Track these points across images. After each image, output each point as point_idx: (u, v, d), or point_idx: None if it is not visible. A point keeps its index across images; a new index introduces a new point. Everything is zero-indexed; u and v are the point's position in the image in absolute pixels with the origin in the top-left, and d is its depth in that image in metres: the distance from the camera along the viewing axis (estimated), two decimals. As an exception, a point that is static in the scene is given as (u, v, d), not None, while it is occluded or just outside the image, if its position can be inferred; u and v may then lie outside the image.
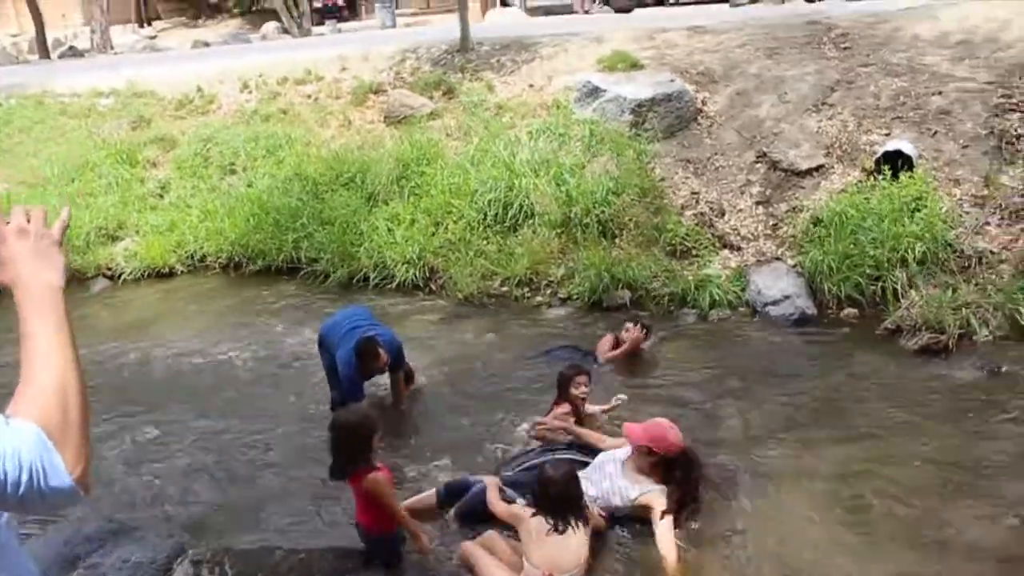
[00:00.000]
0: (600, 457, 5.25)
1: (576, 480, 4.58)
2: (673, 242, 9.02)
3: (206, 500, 5.71)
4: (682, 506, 4.80)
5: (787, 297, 8.09)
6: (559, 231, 9.41)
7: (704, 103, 10.97)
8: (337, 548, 4.91)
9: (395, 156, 11.06)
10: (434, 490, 5.24)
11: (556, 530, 4.33)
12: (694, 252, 8.96)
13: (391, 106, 12.66)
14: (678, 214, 9.34)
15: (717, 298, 8.35)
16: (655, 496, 4.82)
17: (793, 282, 8.25)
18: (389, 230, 10.04)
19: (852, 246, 8.09)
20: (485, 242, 9.62)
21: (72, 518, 5.47)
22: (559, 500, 4.41)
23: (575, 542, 4.37)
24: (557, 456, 5.25)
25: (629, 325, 7.42)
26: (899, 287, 7.76)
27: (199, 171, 12.41)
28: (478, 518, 4.93)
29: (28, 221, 1.66)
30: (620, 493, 4.93)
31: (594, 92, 11.13)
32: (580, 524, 4.42)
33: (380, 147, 11.68)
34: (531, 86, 12.44)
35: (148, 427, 6.86)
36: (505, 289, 9.19)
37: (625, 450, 5.11)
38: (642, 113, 10.62)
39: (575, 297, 8.84)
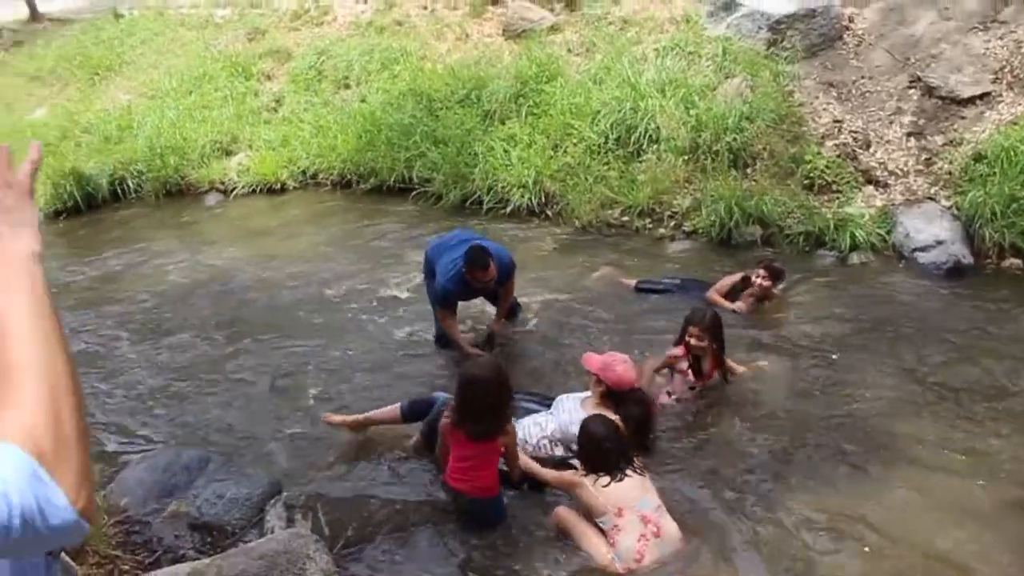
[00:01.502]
0: (560, 396, 5.15)
1: (620, 431, 4.38)
2: (811, 175, 8.28)
3: (301, 438, 5.50)
4: (638, 443, 4.67)
5: (940, 243, 7.31)
6: (686, 158, 8.79)
7: (851, 19, 9.97)
8: (433, 500, 4.69)
9: (513, 72, 10.53)
10: (397, 406, 5.16)
11: (616, 480, 4.13)
12: (834, 187, 8.21)
13: (510, 19, 12.04)
14: (818, 144, 8.56)
15: (859, 240, 7.63)
16: None
17: (947, 226, 7.45)
18: (505, 151, 9.59)
19: (1021, 187, 7.21)
20: (606, 167, 9.09)
21: (172, 444, 5.42)
22: (611, 454, 4.19)
23: (637, 480, 4.18)
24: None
25: (762, 272, 6.73)
26: (1078, 237, 6.90)
27: (313, 85, 12.21)
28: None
29: None
30: (579, 422, 4.62)
31: (728, 6, 10.29)
32: (636, 471, 4.22)
33: (498, 62, 11.16)
34: (660, -2, 11.59)
35: (247, 352, 6.77)
36: (625, 219, 8.69)
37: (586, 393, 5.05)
38: (781, 30, 9.76)
39: (701, 231, 8.27)
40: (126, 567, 4.16)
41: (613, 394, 4.80)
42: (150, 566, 4.19)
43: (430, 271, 6.30)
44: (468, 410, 4.20)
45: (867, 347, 6.14)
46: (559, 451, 4.85)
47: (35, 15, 18.70)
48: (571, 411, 4.89)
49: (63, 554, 3.65)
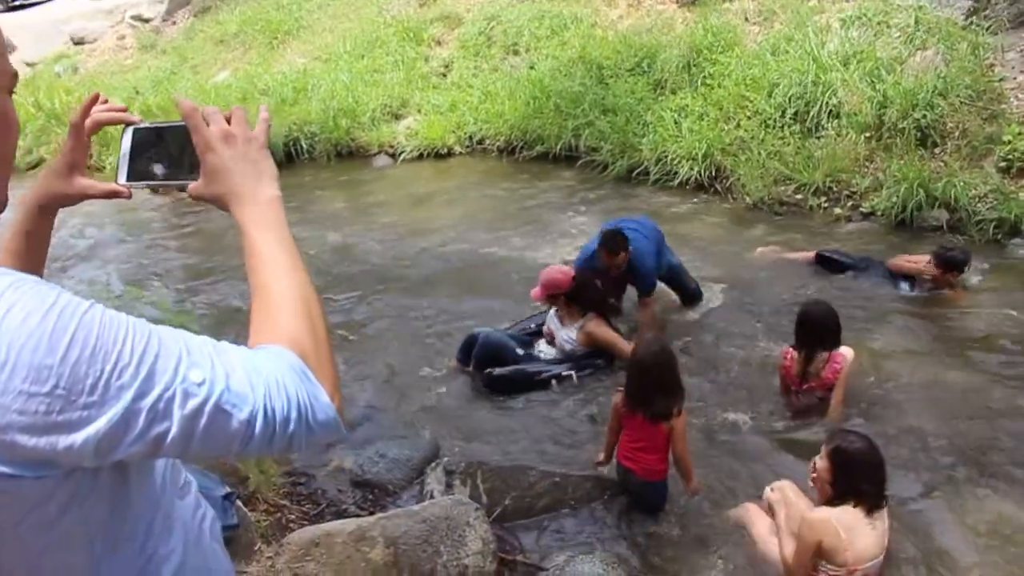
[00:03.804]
0: (546, 322, 5.96)
1: (877, 448, 3.68)
2: (1009, 157, 7.63)
3: (460, 405, 5.54)
4: (601, 310, 5.72)
5: None
6: (868, 135, 8.32)
7: (1067, -15, 9.12)
8: (594, 476, 4.60)
9: (687, 41, 10.25)
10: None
11: (867, 514, 3.51)
12: (1036, 171, 7.55)
13: (685, -15, 11.69)
14: (1020, 123, 7.87)
15: (1063, 230, 6.98)
16: (590, 324, 5.63)
17: None
18: (675, 122, 9.36)
19: None
20: (781, 142, 8.73)
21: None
22: (874, 484, 3.54)
23: (879, 522, 3.57)
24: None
25: (932, 260, 6.28)
26: None
27: (482, 51, 12.26)
28: (492, 361, 5.58)
29: (228, 123, 1.37)
30: (567, 339, 5.71)
31: (924, -28, 9.59)
32: (886, 504, 3.61)
33: (670, 31, 10.89)
34: (847, -37, 10.96)
35: (406, 313, 6.85)
36: (799, 197, 8.33)
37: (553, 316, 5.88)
38: (983, -2, 9.03)
39: (880, 213, 7.81)
40: (292, 516, 4.28)
41: (568, 296, 5.60)
42: (315, 518, 4.30)
43: None
44: (637, 392, 4.14)
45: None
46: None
47: (222, -20, 19.52)
48: (557, 332, 5.78)
49: (237, 500, 3.82)
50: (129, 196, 1.42)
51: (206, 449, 1.09)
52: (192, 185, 1.35)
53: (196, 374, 1.05)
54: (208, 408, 1.05)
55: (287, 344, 1.20)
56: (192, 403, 1.04)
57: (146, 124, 1.41)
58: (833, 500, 3.59)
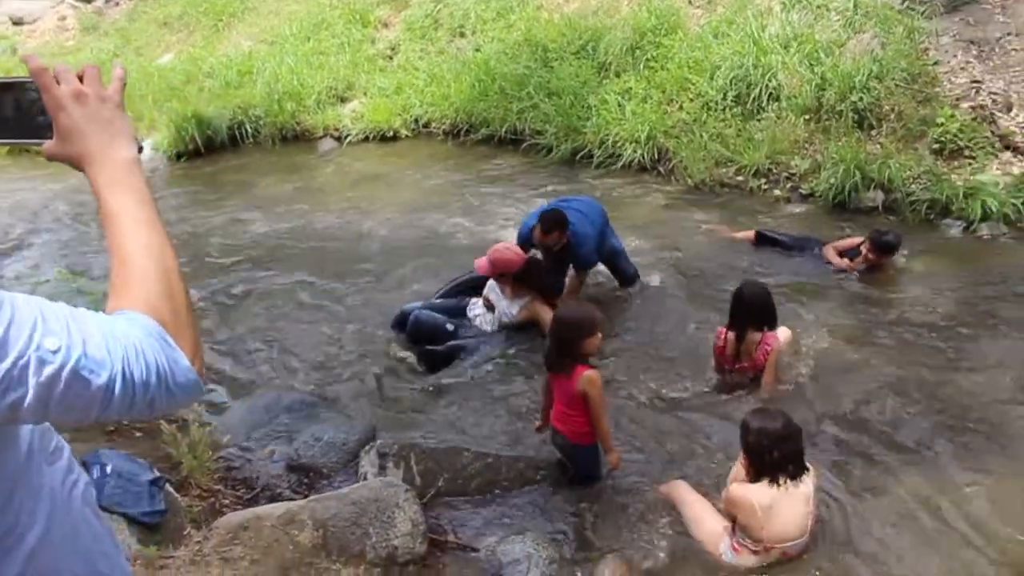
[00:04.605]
0: (485, 290, 6.04)
1: (798, 429, 3.76)
2: (942, 139, 7.79)
3: (397, 388, 5.56)
4: (546, 295, 5.85)
5: (1083, 215, 6.78)
6: (807, 118, 8.44)
7: (1000, -28, 9.30)
8: (527, 457, 4.64)
9: (631, 24, 10.26)
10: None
11: (776, 484, 3.61)
12: (967, 153, 7.70)
13: (631, -32, 11.70)
14: (951, 106, 8.03)
15: (990, 210, 7.11)
16: (534, 305, 5.79)
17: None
18: (619, 105, 9.40)
19: None
20: (722, 124, 8.81)
21: (274, 386, 5.55)
22: (784, 456, 3.62)
23: (800, 504, 3.66)
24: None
25: (868, 244, 6.46)
26: None
27: (429, 33, 12.19)
28: (424, 338, 5.83)
29: (81, 82, 1.36)
30: (507, 312, 5.87)
31: (862, -44, 9.71)
32: (804, 478, 3.68)
33: (615, 14, 10.90)
34: (789, -53, 11.05)
35: (348, 297, 6.86)
36: (740, 178, 8.42)
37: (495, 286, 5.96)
38: (920, -17, 9.17)
39: (818, 194, 7.92)
40: (226, 501, 4.27)
41: (517, 276, 5.71)
42: (249, 502, 4.29)
43: None
44: (549, 337, 4.35)
45: (989, 325, 5.77)
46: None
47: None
48: (497, 301, 5.91)
49: (167, 485, 3.80)
50: None
51: (65, 414, 1.12)
52: (46, 145, 1.33)
53: (51, 341, 1.07)
54: (64, 374, 1.07)
55: (145, 309, 1.22)
56: (48, 370, 1.06)
57: None
58: (752, 476, 3.66)
